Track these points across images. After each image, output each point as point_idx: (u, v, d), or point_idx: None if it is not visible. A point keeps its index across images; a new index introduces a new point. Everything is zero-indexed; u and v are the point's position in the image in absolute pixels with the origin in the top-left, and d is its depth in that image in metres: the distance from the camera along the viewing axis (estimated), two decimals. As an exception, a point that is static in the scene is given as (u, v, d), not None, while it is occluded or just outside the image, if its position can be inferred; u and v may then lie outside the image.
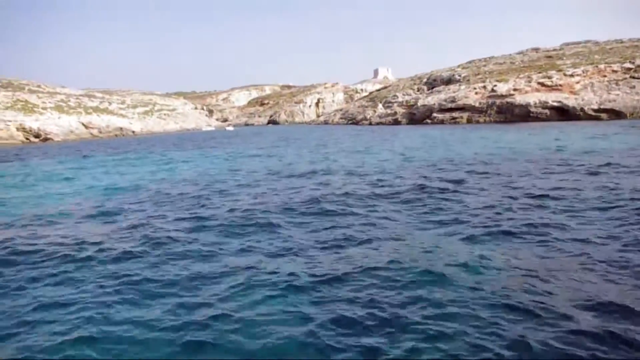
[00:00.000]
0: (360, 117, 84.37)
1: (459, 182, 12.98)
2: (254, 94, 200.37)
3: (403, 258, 6.79)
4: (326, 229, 8.62)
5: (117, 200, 12.88)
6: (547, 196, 10.83)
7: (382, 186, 13.17)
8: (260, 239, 8.11)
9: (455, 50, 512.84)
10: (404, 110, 72.29)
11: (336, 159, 22.56)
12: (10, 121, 59.46)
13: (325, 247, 7.51)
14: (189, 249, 7.85)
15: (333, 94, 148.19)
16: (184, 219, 10.02)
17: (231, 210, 10.44)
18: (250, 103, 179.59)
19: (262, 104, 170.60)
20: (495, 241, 7.60)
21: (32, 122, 61.96)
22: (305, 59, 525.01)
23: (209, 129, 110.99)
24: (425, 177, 13.95)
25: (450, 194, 11.34)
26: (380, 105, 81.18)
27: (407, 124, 68.29)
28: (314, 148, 29.47)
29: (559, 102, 52.63)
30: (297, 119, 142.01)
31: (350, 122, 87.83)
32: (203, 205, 11.14)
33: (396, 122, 70.69)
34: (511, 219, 8.84)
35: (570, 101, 52.00)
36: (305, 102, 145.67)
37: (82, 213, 11.28)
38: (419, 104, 68.77)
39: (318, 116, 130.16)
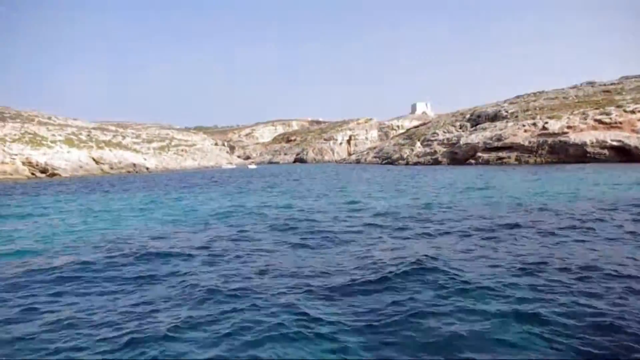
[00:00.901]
0: (396, 156, 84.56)
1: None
2: (280, 129, 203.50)
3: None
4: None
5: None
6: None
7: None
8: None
9: (501, 83, 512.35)
10: (444, 149, 72.53)
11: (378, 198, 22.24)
12: (16, 155, 61.87)
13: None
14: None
15: (366, 130, 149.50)
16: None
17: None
18: (276, 139, 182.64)
19: (288, 141, 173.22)
20: None
21: (40, 156, 64.34)
22: (336, 92, 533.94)
23: (230, 166, 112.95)
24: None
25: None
26: (418, 144, 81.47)
27: (449, 163, 68.51)
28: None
29: (619, 141, 51.89)
30: (326, 157, 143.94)
31: (385, 161, 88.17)
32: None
33: (436, 162, 70.96)
34: None
35: (632, 140, 51.20)
36: (336, 139, 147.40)
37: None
38: (461, 142, 68.73)
39: (350, 154, 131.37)
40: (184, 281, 8.51)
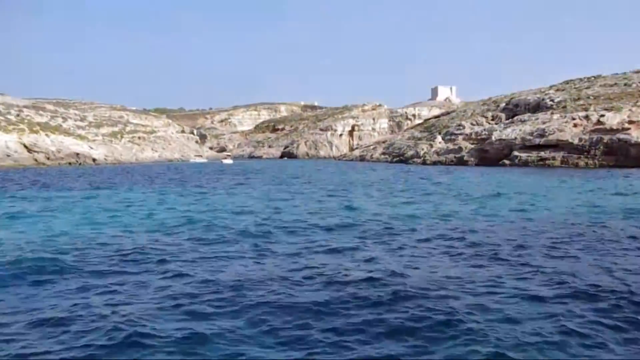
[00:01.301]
0: (410, 152, 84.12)
1: None
2: (264, 115, 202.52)
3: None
4: None
5: None
6: None
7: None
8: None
9: (546, 65, 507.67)
10: (472, 146, 72.41)
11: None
12: None
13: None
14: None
15: (374, 119, 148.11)
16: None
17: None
18: (259, 128, 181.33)
19: (274, 130, 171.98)
20: None
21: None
22: (338, 72, 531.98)
23: (199, 160, 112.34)
24: None
25: None
26: (439, 138, 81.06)
27: (477, 164, 68.70)
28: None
29: (698, 142, 50.57)
30: (322, 152, 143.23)
31: (395, 159, 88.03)
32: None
33: (461, 162, 71.09)
34: None
35: None
36: (335, 130, 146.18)
37: None
38: (493, 137, 68.05)
39: (352, 149, 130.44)
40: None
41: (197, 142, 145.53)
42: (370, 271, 10.81)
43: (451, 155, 73.78)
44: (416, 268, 11.21)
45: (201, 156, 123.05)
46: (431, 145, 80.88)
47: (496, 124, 75.02)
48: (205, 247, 13.70)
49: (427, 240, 14.61)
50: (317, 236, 15.38)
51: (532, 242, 14.03)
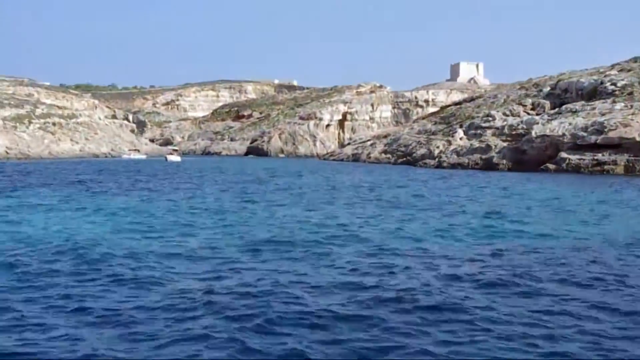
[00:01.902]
0: (420, 151, 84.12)
1: None
2: (225, 96, 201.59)
3: None
4: None
5: None
6: None
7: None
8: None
9: (606, 38, 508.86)
10: (504, 144, 72.78)
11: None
12: None
13: None
14: None
15: (373, 105, 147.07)
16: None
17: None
18: (218, 114, 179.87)
19: (238, 117, 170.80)
20: None
21: None
22: (323, 45, 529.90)
23: (136, 156, 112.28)
24: None
25: None
26: (460, 132, 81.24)
27: (510, 168, 68.72)
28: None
29: None
30: (301, 148, 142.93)
31: (400, 159, 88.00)
32: None
33: (489, 165, 71.39)
34: None
35: None
36: (320, 118, 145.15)
37: None
38: (534, 133, 68.28)
39: (342, 145, 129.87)
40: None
41: (133, 131, 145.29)
42: None
43: (476, 156, 74.03)
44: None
45: (138, 151, 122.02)
46: (449, 142, 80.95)
47: (538, 114, 74.81)
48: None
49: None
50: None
51: None
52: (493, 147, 73.27)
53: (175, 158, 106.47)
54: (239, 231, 22.56)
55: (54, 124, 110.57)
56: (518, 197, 37.87)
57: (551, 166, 63.77)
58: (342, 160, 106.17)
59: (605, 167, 60.11)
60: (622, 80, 71.40)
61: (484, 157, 73.10)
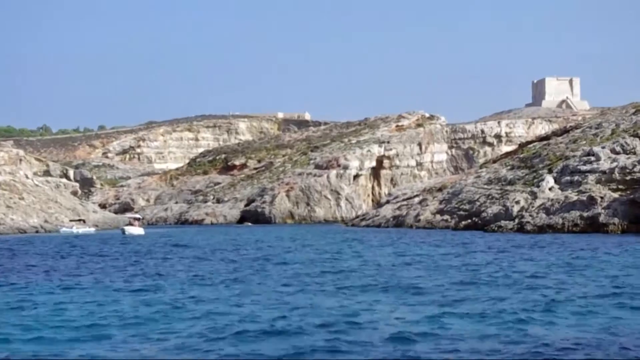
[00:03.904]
0: (492, 209, 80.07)
1: None
2: (208, 139, 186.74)
3: None
4: None
5: None
6: None
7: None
8: None
9: None
10: (615, 194, 69.42)
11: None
12: None
13: None
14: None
15: (421, 146, 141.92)
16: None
17: None
18: (197, 164, 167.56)
19: (227, 168, 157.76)
20: None
21: None
22: (344, 68, 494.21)
23: (81, 230, 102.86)
24: None
25: None
26: (549, 180, 77.41)
27: (624, 230, 64.83)
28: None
29: None
30: (319, 211, 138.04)
31: (464, 220, 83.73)
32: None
33: (594, 225, 67.33)
34: None
35: None
36: (346, 166, 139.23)
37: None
38: (658, 177, 66.52)
39: (379, 203, 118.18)
40: None
41: (75, 193, 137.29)
42: None
43: (574, 214, 69.59)
44: None
45: (84, 221, 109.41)
46: (534, 195, 76.65)
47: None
48: None
49: None
50: None
51: None
52: (597, 198, 69.74)
53: (136, 230, 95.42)
54: None
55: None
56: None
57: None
58: (378, 225, 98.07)
59: None
60: None
61: (585, 214, 69.00)
